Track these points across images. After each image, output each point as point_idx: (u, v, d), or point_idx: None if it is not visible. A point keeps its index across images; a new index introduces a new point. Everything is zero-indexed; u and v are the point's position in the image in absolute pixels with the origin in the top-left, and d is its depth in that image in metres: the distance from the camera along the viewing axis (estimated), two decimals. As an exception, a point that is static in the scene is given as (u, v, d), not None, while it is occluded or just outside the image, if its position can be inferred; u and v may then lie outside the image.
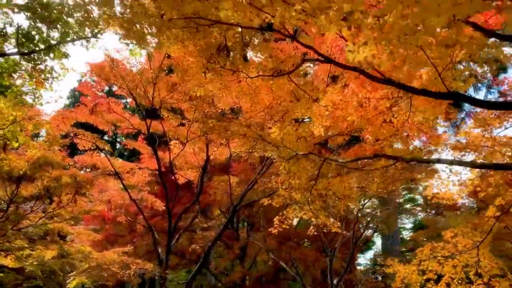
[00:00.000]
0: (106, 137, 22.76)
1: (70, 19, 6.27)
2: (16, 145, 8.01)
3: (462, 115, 17.21)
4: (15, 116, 7.40)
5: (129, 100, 12.25)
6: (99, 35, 6.80)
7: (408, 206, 19.19)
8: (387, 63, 2.69)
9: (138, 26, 4.02)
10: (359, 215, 13.05)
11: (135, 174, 12.79)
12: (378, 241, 22.95)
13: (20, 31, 6.22)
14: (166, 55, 8.82)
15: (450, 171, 5.90)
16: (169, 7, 3.58)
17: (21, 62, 6.78)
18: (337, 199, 6.40)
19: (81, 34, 6.60)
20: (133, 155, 21.08)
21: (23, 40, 6.21)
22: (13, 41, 6.35)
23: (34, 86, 7.64)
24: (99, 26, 5.98)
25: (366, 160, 5.78)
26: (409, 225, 23.01)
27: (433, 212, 17.17)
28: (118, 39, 4.54)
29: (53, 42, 6.55)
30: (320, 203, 6.19)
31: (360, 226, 14.56)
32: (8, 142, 7.91)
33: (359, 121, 5.36)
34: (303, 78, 6.62)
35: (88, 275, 9.81)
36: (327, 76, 6.21)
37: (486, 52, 2.90)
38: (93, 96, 10.81)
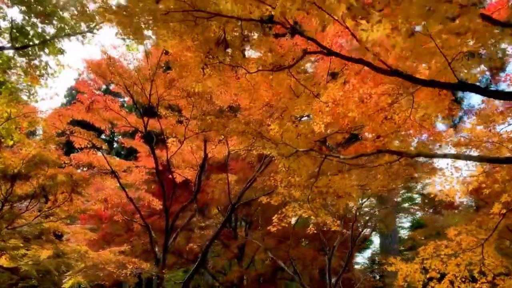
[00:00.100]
0: (103, 136, 22.60)
1: (65, 14, 6.15)
2: (11, 142, 7.90)
3: (461, 113, 17.21)
4: (10, 113, 7.28)
5: (127, 98, 12.12)
6: (95, 30, 6.69)
7: (406, 205, 19.18)
8: (401, 45, 2.59)
9: (134, 19, 3.92)
10: (358, 214, 13.01)
11: (132, 172, 12.66)
12: (376, 240, 23.01)
13: (14, 26, 6.10)
14: (164, 51, 8.71)
15: (454, 168, 5.85)
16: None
17: (15, 57, 6.66)
18: (336, 197, 6.32)
19: (76, 29, 6.48)
20: (130, 154, 20.93)
21: (17, 34, 6.08)
22: (7, 36, 6.24)
23: (29, 83, 7.52)
24: (95, 20, 5.87)
25: (367, 157, 5.70)
26: (407, 224, 23.04)
27: (431, 211, 17.17)
28: (115, 34, 4.43)
29: (48, 37, 6.43)
30: (320, 201, 6.11)
31: (359, 225, 14.53)
32: (2, 140, 7.80)
33: (360, 117, 5.30)
34: (303, 74, 6.53)
35: (84, 275, 9.68)
36: (326, 73, 6.13)
37: (494, 42, 2.83)
38: (90, 93, 10.67)
